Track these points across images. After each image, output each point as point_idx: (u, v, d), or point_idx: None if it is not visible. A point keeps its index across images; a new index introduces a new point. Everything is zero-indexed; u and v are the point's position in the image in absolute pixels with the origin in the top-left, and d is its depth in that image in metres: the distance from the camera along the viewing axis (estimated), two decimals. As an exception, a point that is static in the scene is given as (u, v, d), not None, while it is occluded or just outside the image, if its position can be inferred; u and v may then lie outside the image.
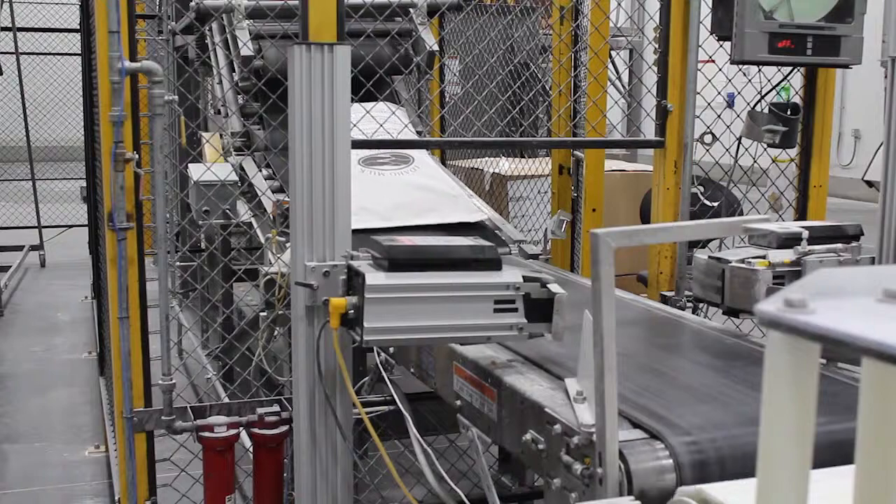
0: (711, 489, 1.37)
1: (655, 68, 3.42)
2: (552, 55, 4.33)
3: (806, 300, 0.73)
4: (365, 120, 3.34)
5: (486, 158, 5.66)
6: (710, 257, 2.41)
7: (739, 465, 1.59)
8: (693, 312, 3.23)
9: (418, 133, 4.40)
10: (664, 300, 3.31)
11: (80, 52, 7.33)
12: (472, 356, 2.20)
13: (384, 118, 3.48)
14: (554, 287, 2.11)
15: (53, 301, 7.49)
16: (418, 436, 2.22)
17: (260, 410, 2.97)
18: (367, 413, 2.33)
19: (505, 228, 3.69)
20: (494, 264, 2.12)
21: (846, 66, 3.21)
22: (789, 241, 2.33)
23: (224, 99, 4.26)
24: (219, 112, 4.56)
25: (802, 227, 2.38)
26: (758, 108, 3.42)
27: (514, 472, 3.68)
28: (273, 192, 3.68)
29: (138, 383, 2.96)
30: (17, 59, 8.82)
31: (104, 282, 3.58)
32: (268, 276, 2.88)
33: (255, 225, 3.72)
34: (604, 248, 1.53)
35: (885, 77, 2.79)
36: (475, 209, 3.67)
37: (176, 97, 3.07)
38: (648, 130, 3.59)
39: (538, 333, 2.12)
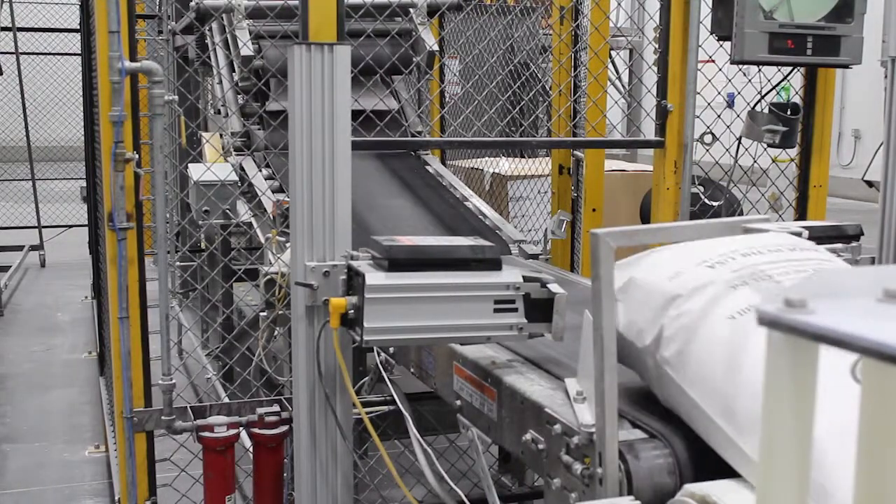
0: (711, 489, 1.38)
1: (655, 68, 3.42)
2: (552, 55, 4.33)
3: (806, 300, 0.73)
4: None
5: (486, 158, 5.66)
6: (710, 257, 2.40)
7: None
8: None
9: (418, 133, 4.41)
10: (664, 300, 3.30)
11: (80, 52, 7.33)
12: (472, 356, 2.20)
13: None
14: (554, 287, 2.10)
15: (53, 301, 7.49)
16: (418, 436, 2.22)
17: (260, 410, 2.97)
18: (367, 413, 2.33)
19: (505, 228, 3.69)
20: (494, 264, 2.12)
21: (846, 66, 3.21)
22: (789, 241, 2.32)
23: (224, 99, 4.26)
24: (219, 112, 4.56)
25: (802, 227, 2.37)
26: (758, 108, 3.42)
27: (514, 472, 3.68)
28: (273, 192, 3.68)
29: (138, 383, 2.96)
30: (17, 59, 8.82)
31: (104, 282, 3.58)
32: (268, 276, 2.88)
33: (255, 225, 3.72)
34: (604, 248, 1.53)
35: (885, 77, 2.79)
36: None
37: (176, 97, 3.07)
38: (648, 130, 3.59)
39: (538, 333, 2.12)
